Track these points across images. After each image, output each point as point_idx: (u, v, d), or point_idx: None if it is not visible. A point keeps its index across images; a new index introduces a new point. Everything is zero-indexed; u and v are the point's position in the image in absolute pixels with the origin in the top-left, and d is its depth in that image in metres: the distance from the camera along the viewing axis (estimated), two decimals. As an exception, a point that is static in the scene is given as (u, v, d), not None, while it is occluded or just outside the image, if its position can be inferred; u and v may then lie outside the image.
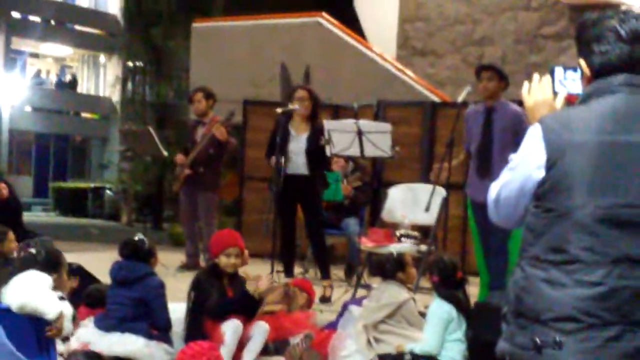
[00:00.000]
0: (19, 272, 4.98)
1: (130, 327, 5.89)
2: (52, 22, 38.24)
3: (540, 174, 2.60)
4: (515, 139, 6.26)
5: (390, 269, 5.96)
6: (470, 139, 7.27)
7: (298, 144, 7.87)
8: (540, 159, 2.60)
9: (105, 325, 5.93)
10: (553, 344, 2.49)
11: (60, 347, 4.98)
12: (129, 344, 5.79)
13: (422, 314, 5.89)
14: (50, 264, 5.06)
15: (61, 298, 4.88)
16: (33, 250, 5.13)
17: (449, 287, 5.62)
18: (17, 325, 4.79)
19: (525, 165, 2.65)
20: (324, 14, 13.93)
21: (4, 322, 4.72)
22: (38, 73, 39.02)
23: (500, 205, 2.74)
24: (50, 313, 4.74)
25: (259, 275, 6.23)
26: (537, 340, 2.52)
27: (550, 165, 2.58)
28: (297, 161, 7.85)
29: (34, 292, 4.76)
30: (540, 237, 2.59)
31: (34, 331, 4.82)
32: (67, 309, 4.83)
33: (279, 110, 8.05)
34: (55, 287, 4.93)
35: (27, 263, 5.03)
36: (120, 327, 5.89)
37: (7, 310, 4.86)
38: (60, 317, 4.76)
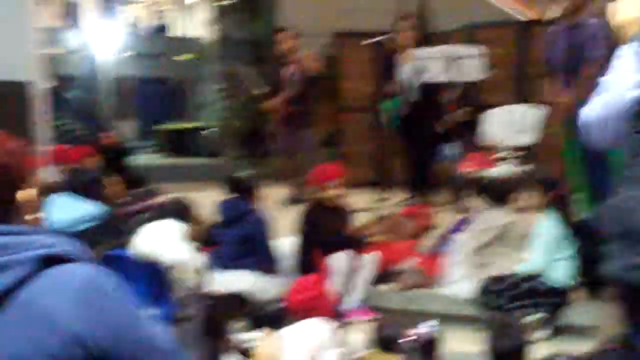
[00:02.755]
0: (151, 221, 5.14)
1: (240, 264, 6.06)
2: (143, -32, 38.52)
3: (634, 93, 2.57)
4: (599, 55, 6.14)
5: (498, 192, 5.95)
6: (554, 59, 7.14)
7: (407, 72, 7.83)
8: (633, 78, 2.57)
9: (218, 263, 6.07)
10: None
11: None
12: (240, 281, 5.93)
13: (527, 235, 5.90)
14: (180, 212, 5.20)
15: (193, 248, 5.04)
16: (163, 200, 5.27)
17: (555, 205, 5.60)
18: (137, 273, 4.99)
19: (618, 85, 2.62)
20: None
21: (125, 269, 4.92)
22: (133, 19, 39.57)
23: (594, 126, 2.72)
24: (178, 268, 4.88)
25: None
26: None
27: (645, 84, 2.54)
28: (408, 89, 7.83)
29: (167, 244, 4.90)
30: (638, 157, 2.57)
31: (153, 279, 5.01)
32: (200, 259, 4.99)
33: (364, 42, 8.04)
34: (188, 236, 5.09)
35: (159, 212, 5.18)
36: (233, 264, 6.06)
37: (129, 258, 5.06)
38: (198, 271, 4.91)
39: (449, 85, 7.86)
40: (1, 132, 1.69)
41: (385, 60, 7.92)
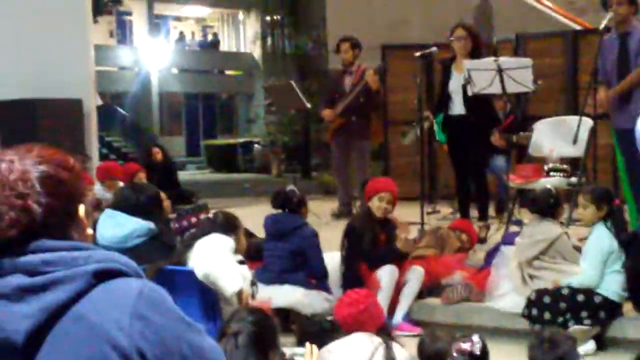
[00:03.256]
0: (197, 236, 5.18)
1: (288, 278, 6.08)
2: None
3: None
4: None
5: (547, 204, 5.89)
6: (607, 68, 7.10)
7: (459, 83, 7.74)
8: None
9: (265, 278, 6.10)
10: None
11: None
12: (289, 295, 5.98)
13: (576, 248, 5.85)
14: (229, 226, 5.23)
15: (241, 262, 5.06)
16: (211, 215, 5.31)
17: (607, 217, 5.54)
18: (188, 288, 5.02)
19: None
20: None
21: (176, 284, 4.95)
22: (181, 35, 40.00)
23: None
24: (229, 291, 4.91)
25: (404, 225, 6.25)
26: None
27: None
28: (458, 101, 7.75)
29: (219, 264, 4.93)
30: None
31: (203, 294, 5.03)
32: (246, 272, 5.02)
33: (417, 54, 8.05)
34: (235, 250, 5.12)
35: (207, 227, 5.22)
36: (279, 279, 6.08)
37: (176, 272, 5.10)
38: (240, 293, 4.94)
39: (500, 97, 7.78)
40: (61, 149, 1.73)
41: (443, 71, 7.87)
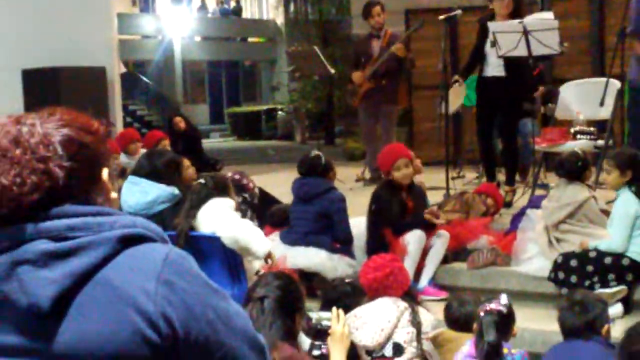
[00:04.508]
0: (198, 202, 5.23)
1: (313, 240, 6.10)
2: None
3: None
4: None
5: (574, 167, 5.83)
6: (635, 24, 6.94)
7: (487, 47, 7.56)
8: None
9: (290, 239, 6.17)
10: None
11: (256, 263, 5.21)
12: (313, 257, 6.00)
13: (604, 211, 5.80)
14: (223, 188, 5.30)
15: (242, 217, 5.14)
16: (202, 181, 5.36)
17: (633, 181, 5.48)
18: (210, 253, 5.06)
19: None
20: None
21: (198, 249, 4.99)
22: (203, 3, 39.92)
23: None
24: (260, 252, 4.98)
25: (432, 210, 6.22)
26: None
27: None
28: (493, 62, 7.57)
29: (245, 228, 5.00)
30: None
31: (227, 260, 5.07)
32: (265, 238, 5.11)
33: (441, 17, 7.97)
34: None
35: (204, 193, 5.26)
36: (304, 241, 6.10)
37: (201, 237, 5.14)
38: (269, 255, 5.01)
39: (528, 59, 7.63)
40: (85, 113, 1.71)
41: (479, 31, 7.69)
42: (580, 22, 10.32)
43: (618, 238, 5.42)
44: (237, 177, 6.06)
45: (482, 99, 7.78)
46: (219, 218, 5.07)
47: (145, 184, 5.60)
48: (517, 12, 7.50)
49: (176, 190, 5.58)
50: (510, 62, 7.37)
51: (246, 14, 40.85)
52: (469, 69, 7.98)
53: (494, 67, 7.56)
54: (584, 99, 7.56)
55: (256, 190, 6.20)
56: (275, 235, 6.27)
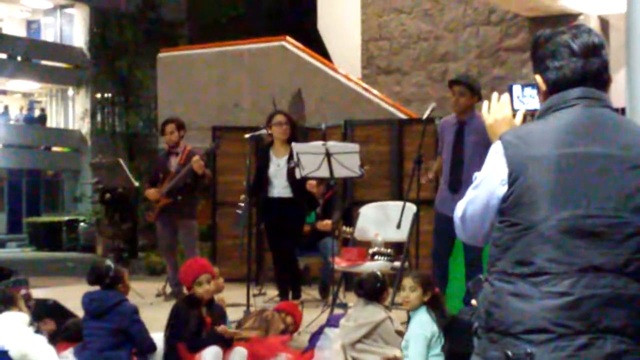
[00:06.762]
0: None
1: (109, 356, 5.86)
2: (19, 59, 38.14)
3: (504, 189, 2.62)
4: (486, 154, 6.26)
5: (373, 288, 5.95)
6: (443, 149, 7.29)
7: (278, 167, 8.01)
8: (502, 175, 2.63)
9: (84, 356, 5.90)
10: (524, 356, 2.50)
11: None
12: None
13: (398, 332, 5.91)
14: (10, 300, 5.09)
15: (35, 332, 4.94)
16: None
17: (430, 302, 5.62)
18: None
19: (488, 182, 2.68)
20: (288, 37, 13.98)
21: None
22: (6, 109, 38.87)
23: (466, 222, 2.76)
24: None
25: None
26: (509, 353, 2.53)
27: (512, 180, 2.60)
28: (278, 185, 8.00)
29: (36, 343, 4.81)
30: (507, 252, 2.61)
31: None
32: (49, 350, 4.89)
33: (247, 135, 8.13)
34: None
35: None
36: (100, 358, 5.86)
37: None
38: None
39: (325, 180, 7.94)
40: None
41: (261, 154, 8.07)
42: (381, 147, 10.74)
43: (416, 356, 5.51)
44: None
45: (269, 220, 8.19)
46: (9, 332, 4.84)
47: None
48: (293, 138, 8.02)
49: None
50: (294, 182, 7.68)
51: (51, 122, 40.04)
52: (255, 189, 8.24)
53: (278, 189, 8.00)
54: (382, 221, 7.78)
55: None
56: (70, 352, 6.00)
